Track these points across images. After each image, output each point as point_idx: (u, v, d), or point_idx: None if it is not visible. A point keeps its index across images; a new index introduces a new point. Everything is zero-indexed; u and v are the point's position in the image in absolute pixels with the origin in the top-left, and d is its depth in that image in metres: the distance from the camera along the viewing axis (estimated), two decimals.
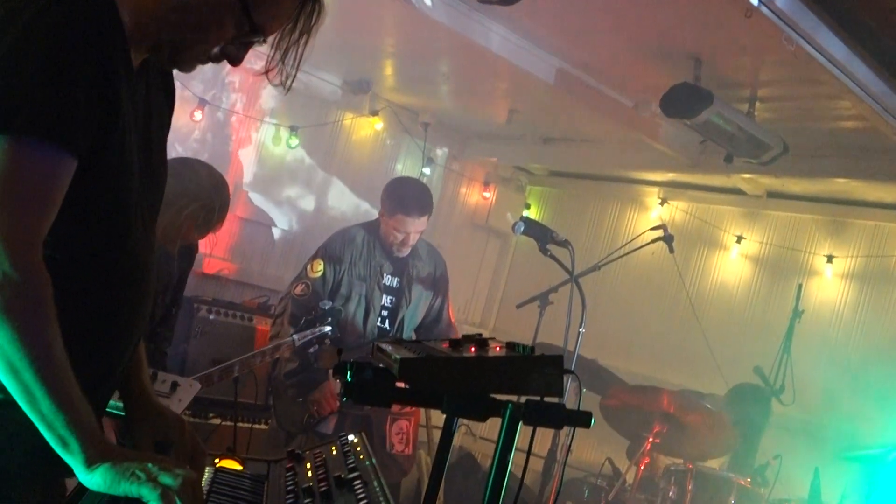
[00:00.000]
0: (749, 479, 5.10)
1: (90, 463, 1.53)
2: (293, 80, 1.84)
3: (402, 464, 5.37)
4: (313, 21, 1.82)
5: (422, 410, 5.45)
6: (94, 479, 1.54)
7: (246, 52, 1.83)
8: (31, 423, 1.55)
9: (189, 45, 1.77)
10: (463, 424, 5.97)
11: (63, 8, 1.53)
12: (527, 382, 1.73)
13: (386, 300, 5.30)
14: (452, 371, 1.72)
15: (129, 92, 1.72)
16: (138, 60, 1.78)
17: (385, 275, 5.24)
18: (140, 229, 1.81)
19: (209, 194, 3.91)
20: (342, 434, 2.27)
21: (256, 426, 5.67)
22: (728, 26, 4.42)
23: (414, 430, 5.44)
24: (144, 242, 1.84)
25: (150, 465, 1.56)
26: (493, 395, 1.79)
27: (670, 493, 5.14)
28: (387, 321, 5.27)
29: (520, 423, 1.78)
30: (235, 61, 1.83)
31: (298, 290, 5.18)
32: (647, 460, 5.23)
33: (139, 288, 1.84)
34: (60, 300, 1.60)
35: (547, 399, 1.78)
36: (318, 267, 5.20)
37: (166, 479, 1.55)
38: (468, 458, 7.24)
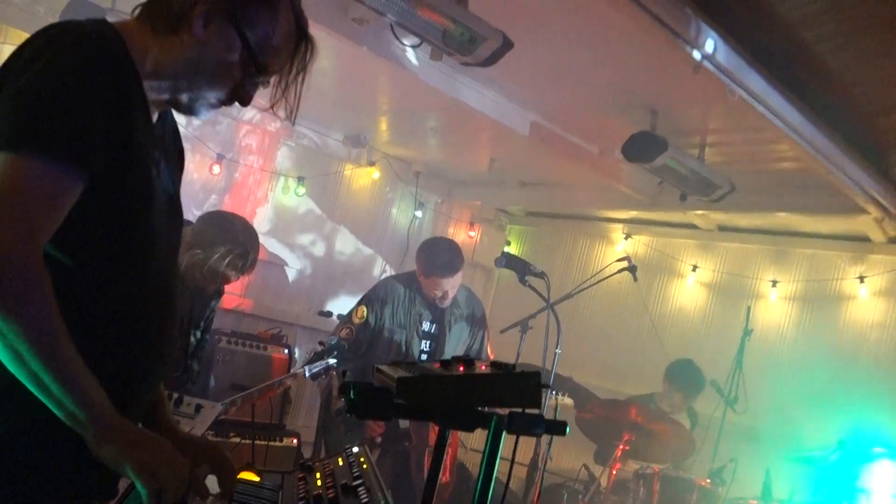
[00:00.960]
0: (709, 480, 5.09)
1: (98, 441, 1.51)
2: (296, 113, 1.82)
3: (439, 491, 5.22)
4: (307, 59, 1.82)
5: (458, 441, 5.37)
6: (101, 455, 1.52)
7: (254, 91, 1.82)
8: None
9: (203, 91, 1.76)
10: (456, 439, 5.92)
11: (82, 46, 1.54)
12: (509, 396, 1.72)
13: (424, 345, 5.19)
14: (443, 388, 1.71)
15: (149, 134, 1.71)
16: (155, 114, 1.77)
17: (424, 322, 5.14)
18: (164, 259, 1.78)
19: (244, 242, 3.92)
20: (347, 446, 2.25)
21: (272, 443, 5.61)
22: (679, 81, 4.46)
23: (451, 459, 5.34)
24: (168, 271, 1.81)
25: (153, 459, 1.55)
26: (479, 409, 1.79)
27: (640, 494, 5.11)
28: None
29: (504, 433, 1.77)
30: (245, 101, 1.81)
31: (343, 333, 5.09)
32: (618, 465, 5.21)
33: (164, 312, 1.79)
34: (88, 321, 1.59)
35: (527, 411, 1.77)
36: (362, 313, 5.11)
37: (164, 477, 1.54)
38: (460, 468, 7.18)
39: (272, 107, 1.83)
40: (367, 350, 5.11)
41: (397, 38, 4.06)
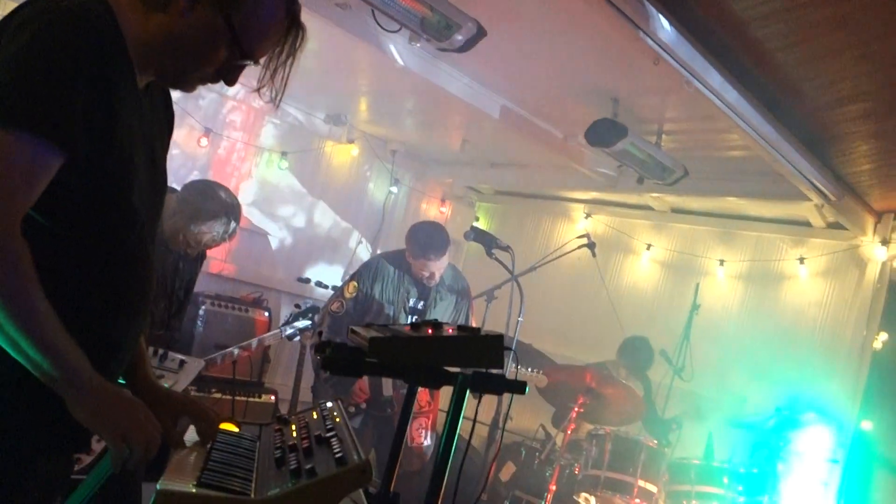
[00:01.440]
0: (656, 442, 5.16)
1: (73, 402, 1.52)
2: (282, 97, 1.78)
3: (421, 454, 5.25)
4: (297, 45, 1.77)
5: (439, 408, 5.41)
6: (77, 415, 1.53)
7: (239, 73, 1.78)
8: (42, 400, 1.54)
9: (188, 70, 1.73)
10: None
11: (68, 22, 1.48)
12: (474, 357, 1.75)
13: (411, 320, 5.15)
14: (413, 348, 1.74)
15: (134, 106, 1.68)
16: (143, 83, 1.75)
17: (411, 298, 5.12)
18: (144, 226, 1.76)
19: (227, 211, 3.91)
20: (321, 401, 2.26)
21: (251, 399, 5.63)
22: (640, 72, 4.48)
23: (432, 425, 5.35)
24: (147, 237, 1.79)
25: (124, 422, 1.57)
26: (446, 368, 1.81)
27: (592, 453, 5.18)
28: None
29: (468, 392, 1.80)
30: (229, 82, 1.77)
31: (335, 306, 5.08)
32: (573, 426, 5.27)
33: (142, 275, 1.78)
34: (71, 285, 1.58)
35: (490, 371, 1.80)
36: (353, 288, 5.11)
37: (132, 442, 1.57)
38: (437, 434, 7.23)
39: (258, 90, 1.78)
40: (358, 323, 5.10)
41: (378, 24, 4.04)
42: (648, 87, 4.79)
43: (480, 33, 3.95)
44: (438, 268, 5.04)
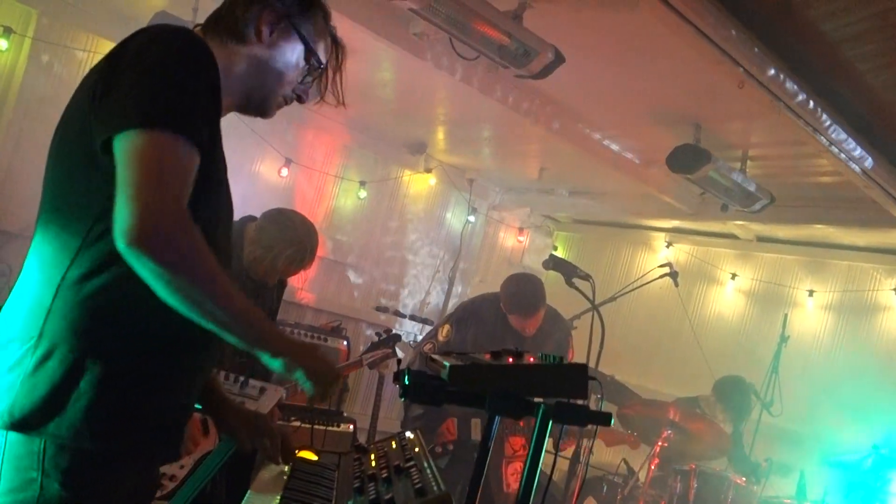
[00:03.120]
0: (744, 479, 4.98)
1: (274, 355, 1.68)
2: (343, 97, 1.96)
3: (507, 501, 4.98)
4: (340, 58, 1.98)
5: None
6: (274, 366, 1.69)
7: (310, 87, 1.94)
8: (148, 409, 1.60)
9: (272, 93, 1.87)
10: None
11: (190, 42, 1.61)
12: (556, 386, 1.70)
13: None
14: (493, 376, 1.70)
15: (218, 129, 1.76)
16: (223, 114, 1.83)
17: (510, 345, 4.90)
18: (222, 242, 1.81)
19: (303, 239, 3.92)
20: (401, 431, 2.24)
21: (330, 428, 5.63)
22: (723, 96, 4.39)
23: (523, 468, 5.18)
24: (225, 254, 1.85)
25: (317, 364, 1.74)
26: (527, 398, 1.76)
27: (677, 490, 5.03)
28: None
29: (550, 422, 1.75)
30: (304, 98, 1.94)
31: (427, 347, 4.90)
32: (657, 461, 5.13)
33: None
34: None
35: (574, 401, 1.75)
36: (446, 332, 4.90)
37: (326, 379, 1.75)
38: None
39: (322, 97, 1.96)
40: None
41: (456, 52, 4.05)
42: (733, 111, 4.69)
43: (559, 60, 3.93)
44: (531, 325, 4.80)
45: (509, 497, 4.94)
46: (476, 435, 4.94)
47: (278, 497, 1.68)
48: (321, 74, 1.93)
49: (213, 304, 1.54)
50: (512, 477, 5.01)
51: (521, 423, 4.87)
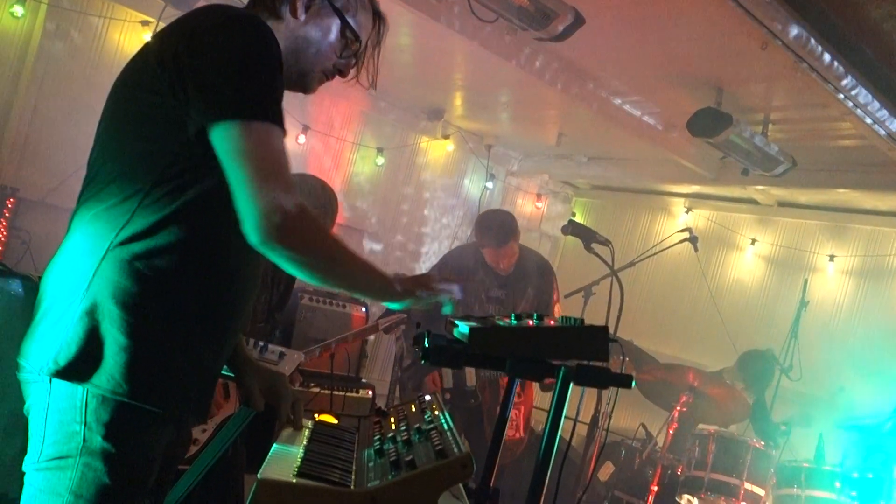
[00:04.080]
0: (763, 443, 4.97)
1: (398, 300, 1.82)
2: (376, 79, 2.01)
3: (511, 447, 5.11)
4: (382, 33, 2.01)
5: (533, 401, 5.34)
6: (402, 305, 1.84)
7: (351, 61, 1.96)
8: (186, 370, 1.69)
9: (311, 68, 1.91)
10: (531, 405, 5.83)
11: (261, 30, 1.67)
12: (577, 349, 1.69)
13: (492, 309, 5.02)
14: (514, 338, 1.69)
15: None
16: None
17: (493, 288, 5.00)
18: None
19: (324, 204, 3.91)
20: (420, 394, 2.24)
21: (349, 394, 5.66)
22: (746, 58, 4.32)
23: (525, 416, 5.26)
24: None
25: (430, 285, 1.86)
26: (548, 361, 1.75)
27: (695, 454, 5.02)
28: None
29: (571, 385, 1.73)
30: (345, 73, 1.98)
31: None
32: (675, 426, 5.12)
33: (257, 267, 1.91)
34: (203, 272, 1.70)
35: (594, 364, 1.73)
36: None
37: (445, 287, 1.87)
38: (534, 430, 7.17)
39: (356, 78, 1.99)
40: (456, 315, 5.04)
41: (474, 14, 4.00)
42: (755, 73, 4.62)
43: (578, 21, 3.87)
44: (505, 256, 4.91)
45: (504, 444, 4.98)
46: (471, 381, 5.00)
47: (301, 449, 1.68)
48: (360, 49, 1.95)
49: (348, 274, 1.74)
50: (508, 423, 5.06)
51: None
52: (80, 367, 1.58)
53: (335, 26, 1.89)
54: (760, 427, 5.66)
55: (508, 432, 5.04)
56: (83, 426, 1.58)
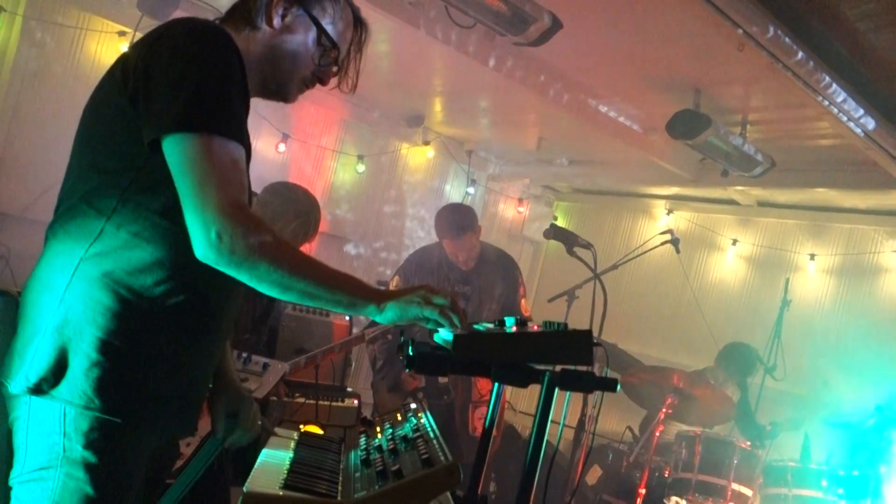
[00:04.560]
0: (749, 443, 4.99)
1: (379, 308, 1.72)
2: (356, 84, 2.00)
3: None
4: (363, 40, 2.01)
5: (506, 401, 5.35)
6: (386, 316, 1.72)
7: (331, 70, 1.95)
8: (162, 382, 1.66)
9: (289, 77, 1.90)
10: (504, 401, 5.86)
11: (221, 41, 1.66)
12: (561, 353, 1.69)
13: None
14: (498, 344, 1.69)
15: None
16: None
17: (457, 284, 5.03)
18: None
19: (307, 212, 3.89)
20: (405, 402, 2.23)
21: (334, 403, 5.64)
22: (723, 59, 4.35)
23: (499, 418, 5.27)
24: None
25: (423, 293, 1.74)
26: (532, 366, 1.75)
27: (682, 456, 5.04)
28: None
29: (556, 389, 1.73)
30: (325, 80, 1.96)
31: None
32: (661, 428, 5.13)
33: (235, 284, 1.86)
34: (183, 278, 1.69)
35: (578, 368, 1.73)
36: (395, 283, 5.11)
37: (439, 300, 1.74)
38: (510, 429, 7.16)
39: (338, 85, 1.99)
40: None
41: (452, 20, 4.00)
42: (732, 75, 4.65)
43: (556, 26, 3.88)
44: (466, 247, 4.91)
45: (474, 440, 4.99)
46: (442, 378, 4.99)
47: (285, 473, 1.67)
48: (339, 56, 1.94)
49: (306, 284, 1.64)
50: (479, 421, 5.14)
51: None
52: (52, 384, 1.59)
53: (312, 34, 1.88)
54: (744, 427, 5.68)
55: (479, 429, 5.06)
56: (63, 437, 1.58)
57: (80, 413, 1.58)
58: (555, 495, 4.96)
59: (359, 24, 2.00)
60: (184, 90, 1.58)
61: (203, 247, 1.55)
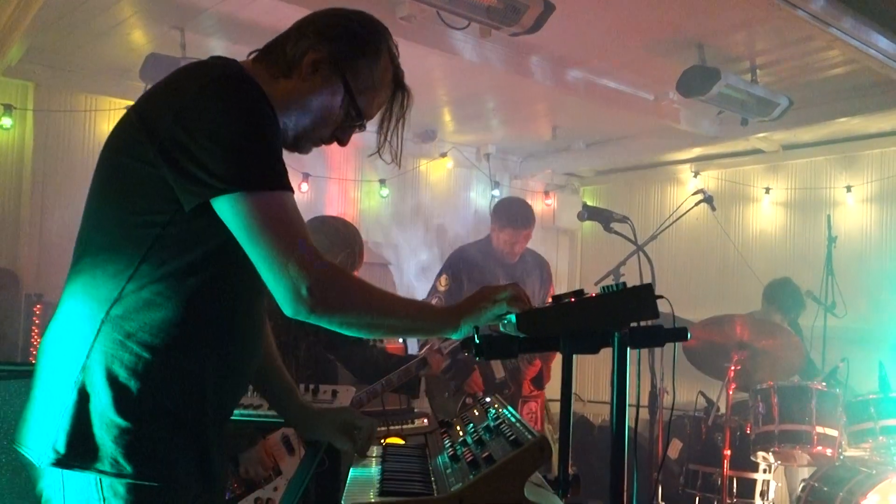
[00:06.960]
0: (824, 384, 4.90)
1: (455, 328, 1.74)
2: (400, 155, 1.95)
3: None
4: (405, 107, 1.92)
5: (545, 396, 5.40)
6: (463, 332, 1.75)
7: (351, 134, 1.92)
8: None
9: (308, 132, 1.85)
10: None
11: (252, 90, 1.64)
12: (626, 312, 1.67)
13: None
14: (562, 316, 1.68)
15: None
16: None
17: (501, 278, 5.09)
18: None
19: (349, 243, 3.88)
20: (481, 397, 2.23)
21: (405, 426, 5.63)
22: (721, 7, 4.32)
23: (541, 409, 5.33)
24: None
25: (486, 295, 1.76)
26: (600, 330, 1.73)
27: (760, 410, 4.95)
28: None
29: (628, 350, 1.71)
30: (343, 142, 1.93)
31: (434, 302, 5.14)
32: (734, 386, 5.06)
33: (259, 335, 1.90)
34: (221, 317, 1.69)
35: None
36: (444, 282, 5.18)
37: (503, 295, 1.74)
38: (581, 420, 7.12)
39: (378, 152, 1.94)
40: None
41: (445, 23, 4.03)
42: (733, 22, 4.62)
43: (549, 9, 3.89)
44: (523, 239, 5.08)
45: None
46: (499, 373, 5.11)
47: (378, 483, 1.67)
48: (362, 126, 1.90)
49: (393, 320, 1.70)
50: (527, 416, 5.16)
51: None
52: (80, 454, 1.55)
53: (339, 97, 1.82)
54: (812, 374, 5.56)
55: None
56: (102, 502, 1.55)
57: (115, 480, 1.55)
58: (640, 475, 4.92)
59: (399, 89, 1.91)
60: (232, 148, 1.56)
61: (294, 305, 1.58)
